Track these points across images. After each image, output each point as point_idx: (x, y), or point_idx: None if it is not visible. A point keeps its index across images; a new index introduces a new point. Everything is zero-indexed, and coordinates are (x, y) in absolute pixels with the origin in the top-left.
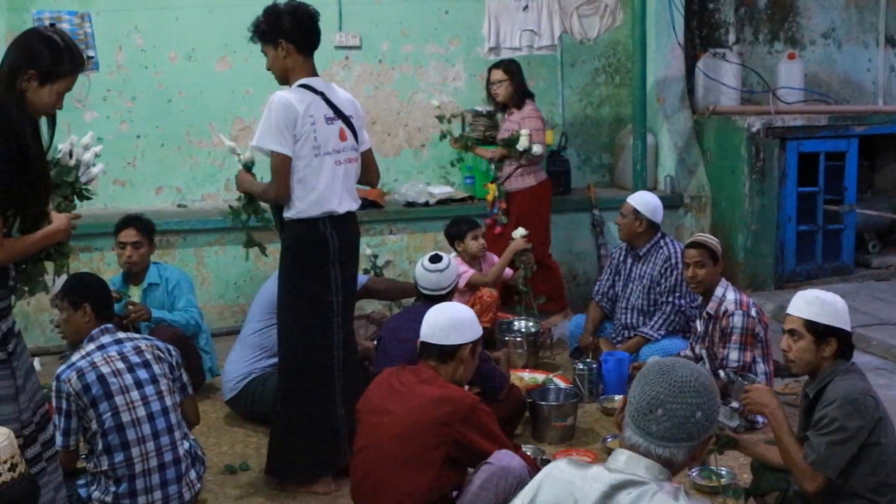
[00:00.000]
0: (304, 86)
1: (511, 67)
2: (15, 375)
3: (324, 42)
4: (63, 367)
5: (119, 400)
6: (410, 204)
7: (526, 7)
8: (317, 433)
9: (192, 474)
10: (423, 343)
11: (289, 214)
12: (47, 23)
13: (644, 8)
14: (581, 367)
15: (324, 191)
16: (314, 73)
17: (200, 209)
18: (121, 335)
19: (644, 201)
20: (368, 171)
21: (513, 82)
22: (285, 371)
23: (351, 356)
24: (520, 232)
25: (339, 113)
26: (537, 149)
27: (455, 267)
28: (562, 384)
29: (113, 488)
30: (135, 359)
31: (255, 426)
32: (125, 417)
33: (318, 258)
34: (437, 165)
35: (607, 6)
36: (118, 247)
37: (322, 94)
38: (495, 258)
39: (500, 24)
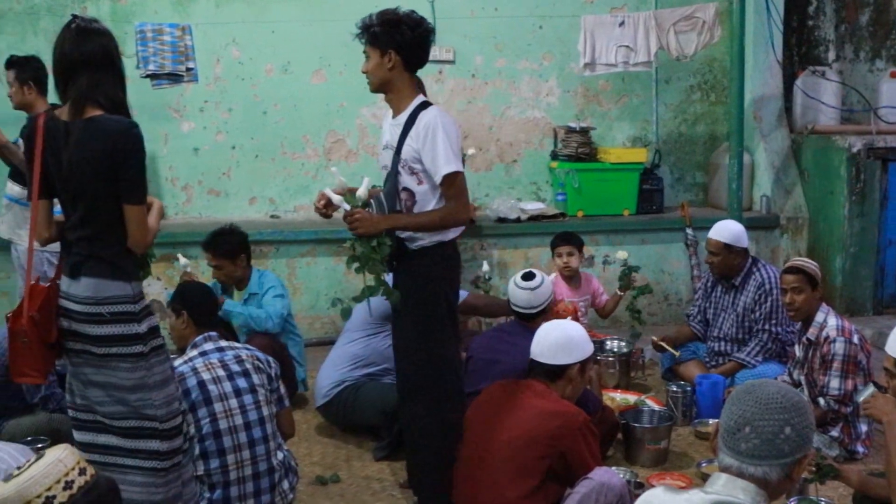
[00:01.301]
0: (430, 103)
1: None
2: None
3: None
4: None
5: (217, 407)
6: (501, 219)
7: (622, 23)
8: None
9: (286, 484)
10: (532, 360)
11: (433, 238)
12: (149, 35)
13: (743, 24)
14: (675, 389)
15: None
16: (421, 91)
17: (293, 220)
18: (223, 343)
19: (731, 234)
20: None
21: None
22: (428, 392)
23: None
24: (622, 255)
25: None
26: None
27: (548, 286)
28: (654, 406)
29: (207, 494)
30: (235, 367)
31: (346, 437)
32: (223, 424)
33: (454, 279)
34: (529, 181)
35: (705, 22)
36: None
37: None
38: (594, 280)
39: (595, 40)
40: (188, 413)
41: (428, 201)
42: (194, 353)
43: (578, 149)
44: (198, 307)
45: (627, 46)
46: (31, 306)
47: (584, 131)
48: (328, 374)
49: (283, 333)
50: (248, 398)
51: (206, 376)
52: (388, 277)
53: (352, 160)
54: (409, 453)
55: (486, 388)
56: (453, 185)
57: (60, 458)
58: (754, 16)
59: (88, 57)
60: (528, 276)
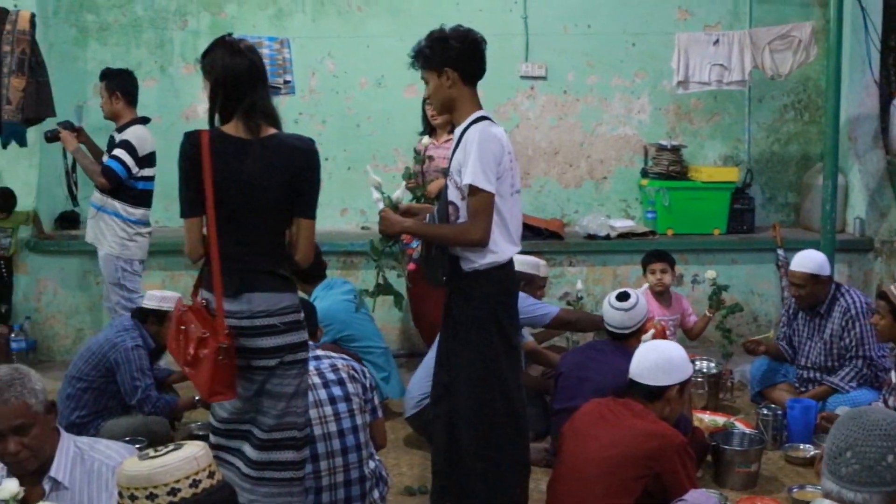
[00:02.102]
0: (485, 118)
1: None
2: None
3: (509, 71)
4: None
5: (312, 413)
6: (591, 236)
7: (717, 41)
8: (518, 477)
9: (376, 494)
10: (631, 380)
11: (484, 260)
12: None
13: (840, 43)
14: (766, 412)
15: (514, 232)
16: (480, 105)
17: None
18: (319, 352)
19: (816, 264)
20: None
21: None
22: (476, 419)
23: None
24: (711, 274)
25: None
26: None
27: (643, 306)
28: (744, 429)
29: None
30: (330, 376)
31: None
32: (317, 431)
33: (508, 303)
34: (618, 198)
35: (801, 41)
36: None
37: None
38: (684, 300)
39: (689, 58)
40: None
41: (465, 217)
42: None
43: (669, 167)
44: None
45: (721, 65)
46: (222, 324)
47: (676, 149)
48: (419, 385)
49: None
50: (342, 406)
51: None
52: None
53: None
54: (436, 477)
55: (580, 405)
56: (473, 198)
57: (196, 456)
58: (851, 34)
59: (253, 74)
60: (623, 297)
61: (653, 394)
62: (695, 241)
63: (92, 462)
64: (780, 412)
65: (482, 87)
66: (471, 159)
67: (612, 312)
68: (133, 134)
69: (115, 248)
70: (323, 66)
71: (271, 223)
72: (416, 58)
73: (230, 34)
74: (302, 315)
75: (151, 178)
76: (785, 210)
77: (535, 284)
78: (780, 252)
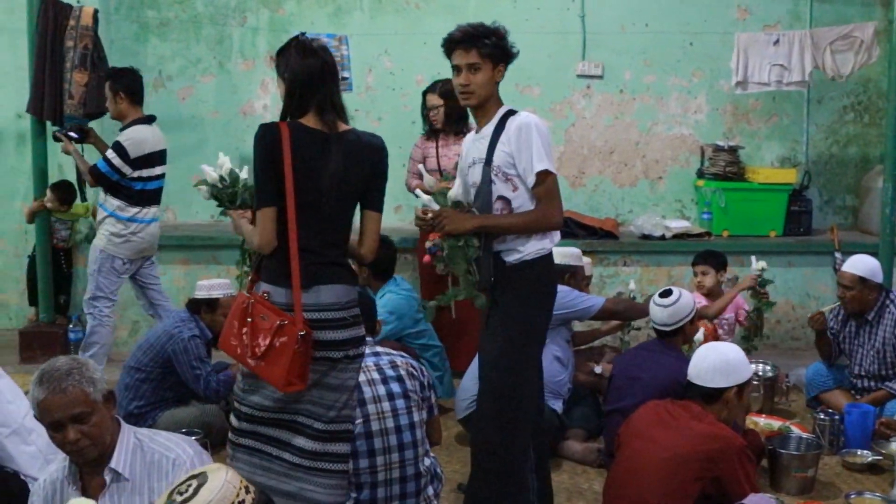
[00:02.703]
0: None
1: (445, 93)
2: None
3: (566, 70)
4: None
5: (371, 408)
6: (646, 236)
7: (777, 41)
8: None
9: (430, 490)
10: (689, 382)
11: (534, 248)
12: None
13: None
14: (823, 417)
15: None
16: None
17: None
18: (378, 349)
19: (867, 267)
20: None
21: (446, 106)
22: (505, 411)
23: None
24: (760, 265)
25: None
26: None
27: (686, 303)
28: (801, 433)
29: (354, 494)
30: (389, 372)
31: None
32: (374, 426)
33: (551, 296)
34: (674, 199)
35: (863, 42)
36: None
37: None
38: (738, 299)
39: (748, 58)
40: None
41: (525, 207)
42: None
43: (726, 167)
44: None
45: (781, 65)
46: (300, 314)
47: (733, 150)
48: (470, 386)
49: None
50: (400, 402)
51: (361, 377)
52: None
53: None
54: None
55: (631, 404)
56: (544, 184)
57: (228, 479)
58: None
59: (325, 73)
60: (666, 294)
61: (711, 396)
62: (751, 243)
63: (152, 454)
64: (837, 417)
65: (539, 83)
66: (534, 146)
67: (655, 309)
68: (127, 136)
69: (102, 241)
70: (380, 63)
71: (345, 216)
72: (476, 38)
73: (303, 33)
74: (360, 311)
75: (155, 178)
76: (843, 213)
77: (578, 276)
78: (838, 255)
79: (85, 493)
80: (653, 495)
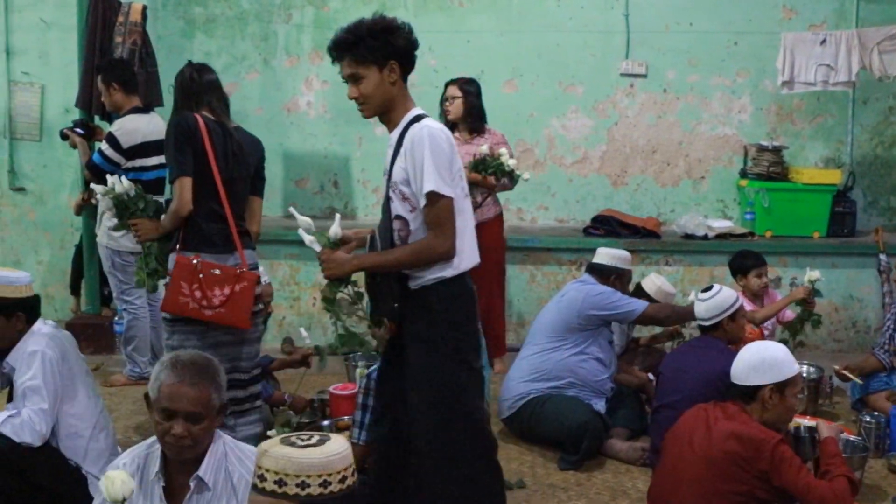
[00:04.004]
0: (427, 116)
1: (466, 86)
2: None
3: (609, 69)
4: (375, 367)
5: None
6: (688, 236)
7: (823, 41)
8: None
9: None
10: (731, 382)
11: (438, 274)
12: None
13: None
14: (868, 420)
15: (470, 239)
16: (414, 102)
17: None
18: None
19: None
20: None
21: (465, 101)
22: (440, 449)
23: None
24: (814, 275)
25: None
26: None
27: (724, 298)
28: (846, 435)
29: None
30: None
31: (530, 444)
32: None
33: (469, 319)
34: (716, 198)
35: None
36: None
37: None
38: (777, 297)
39: (795, 58)
40: None
41: (422, 230)
42: None
43: (770, 168)
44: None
45: (828, 65)
46: (245, 265)
47: (777, 150)
48: (512, 387)
49: None
50: None
51: None
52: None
53: (539, 170)
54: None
55: (679, 399)
56: (434, 207)
57: (348, 449)
58: None
59: (218, 83)
60: (707, 289)
61: (746, 394)
62: (794, 244)
63: (233, 473)
64: (883, 420)
65: (582, 81)
66: (425, 163)
67: (698, 305)
68: (119, 125)
69: (104, 237)
70: (423, 61)
71: (245, 195)
72: (346, 49)
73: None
74: None
75: (151, 168)
76: (887, 214)
77: (625, 279)
78: (882, 257)
79: (167, 491)
80: (692, 498)
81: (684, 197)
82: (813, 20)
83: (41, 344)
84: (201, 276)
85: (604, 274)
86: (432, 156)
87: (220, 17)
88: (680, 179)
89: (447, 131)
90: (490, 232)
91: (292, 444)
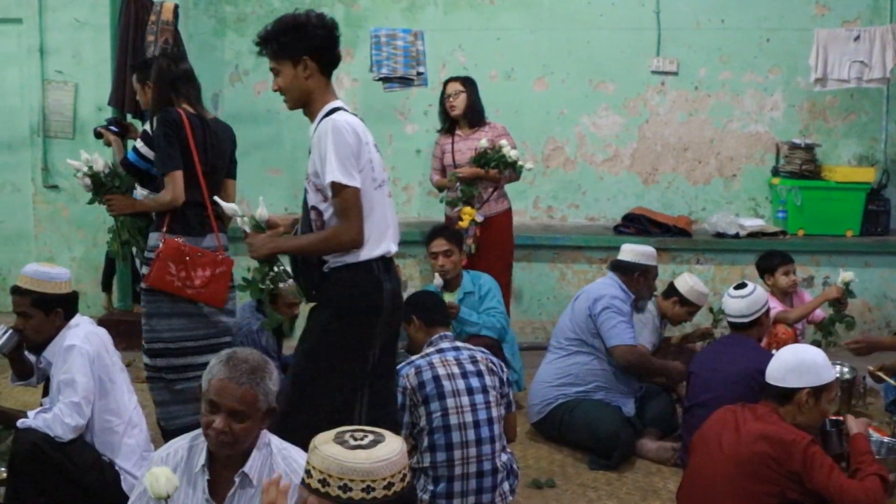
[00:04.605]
0: (341, 108)
1: (468, 84)
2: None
3: (640, 66)
4: (403, 363)
5: (450, 402)
6: (720, 235)
7: (857, 37)
8: None
9: (506, 486)
10: (765, 382)
11: (341, 259)
12: (383, 40)
13: None
14: None
15: (381, 228)
16: (335, 95)
17: None
18: (459, 343)
19: None
20: None
21: (468, 97)
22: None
23: (380, 418)
24: (848, 277)
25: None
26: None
27: (760, 295)
28: (880, 437)
29: (431, 486)
30: (469, 367)
31: (560, 444)
32: (453, 420)
33: (368, 309)
34: (748, 197)
35: None
36: (431, 256)
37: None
38: (807, 296)
39: (828, 54)
40: (420, 406)
41: (334, 219)
42: (431, 349)
43: (802, 165)
44: (427, 311)
45: (862, 62)
46: (222, 249)
47: (809, 148)
48: (540, 391)
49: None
50: (479, 397)
51: (441, 371)
52: None
53: (569, 168)
54: None
55: (711, 398)
56: (338, 197)
57: (403, 452)
58: None
59: (193, 73)
60: (741, 286)
61: (783, 396)
62: (827, 243)
63: (278, 470)
64: None
65: (613, 79)
66: (328, 154)
67: (729, 301)
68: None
69: None
70: (454, 59)
71: (221, 181)
72: (263, 44)
73: (167, 48)
74: None
75: None
76: None
77: (650, 276)
78: None
79: (212, 485)
80: (722, 501)
81: (716, 195)
82: (846, 16)
83: (78, 339)
84: (187, 258)
85: (627, 271)
86: (335, 147)
87: (251, 16)
88: (711, 177)
89: (354, 123)
90: (498, 226)
91: (343, 443)
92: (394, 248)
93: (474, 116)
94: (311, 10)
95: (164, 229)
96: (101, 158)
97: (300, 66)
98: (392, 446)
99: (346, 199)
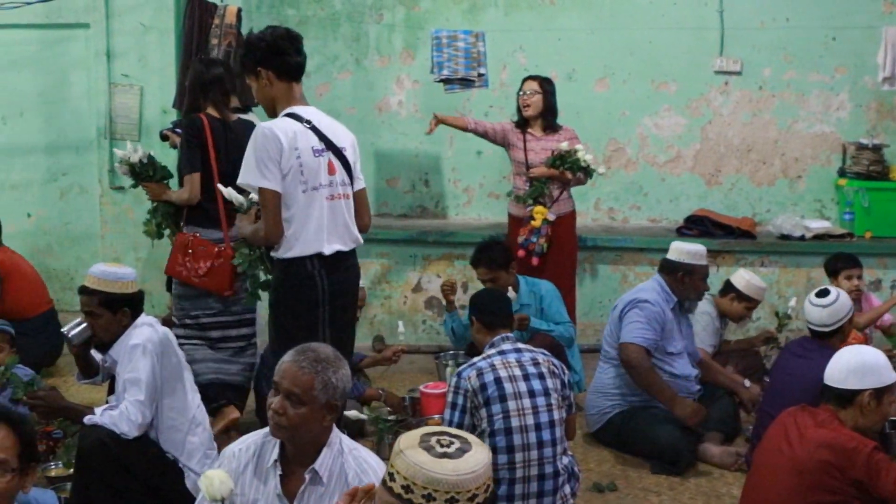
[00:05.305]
0: (290, 115)
1: (545, 84)
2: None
3: (703, 66)
4: (465, 365)
5: (511, 404)
6: (785, 237)
7: None
8: None
9: (567, 489)
10: (824, 385)
11: (277, 254)
12: (444, 42)
13: None
14: None
15: (312, 229)
16: (302, 102)
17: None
18: (520, 345)
19: None
20: (359, 213)
21: (545, 99)
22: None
23: None
24: None
25: (329, 144)
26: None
27: (844, 303)
28: None
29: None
30: (531, 369)
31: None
32: (514, 422)
33: (306, 299)
34: (813, 198)
35: None
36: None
37: (310, 124)
38: (874, 300)
39: None
40: (481, 408)
41: None
42: (492, 351)
43: (869, 166)
44: (487, 314)
45: None
46: (228, 243)
47: (877, 148)
48: (595, 401)
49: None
50: (541, 400)
51: (502, 373)
52: None
53: (630, 169)
54: None
55: (782, 408)
56: (260, 198)
57: (489, 462)
58: None
59: (225, 77)
60: (823, 293)
61: (843, 398)
62: (895, 245)
63: (349, 470)
64: None
65: (675, 79)
66: (247, 158)
67: (812, 310)
68: None
69: None
70: (514, 60)
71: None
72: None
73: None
74: None
75: None
76: None
77: (696, 276)
78: None
79: (284, 482)
80: None
81: (780, 196)
82: None
83: (143, 338)
84: (191, 251)
85: (672, 271)
86: (253, 151)
87: (313, 19)
88: (776, 178)
89: (284, 129)
90: (565, 227)
91: (429, 449)
92: (329, 250)
93: (548, 120)
94: (269, 26)
95: (183, 222)
96: (139, 150)
97: (261, 78)
98: (478, 457)
99: (263, 199)
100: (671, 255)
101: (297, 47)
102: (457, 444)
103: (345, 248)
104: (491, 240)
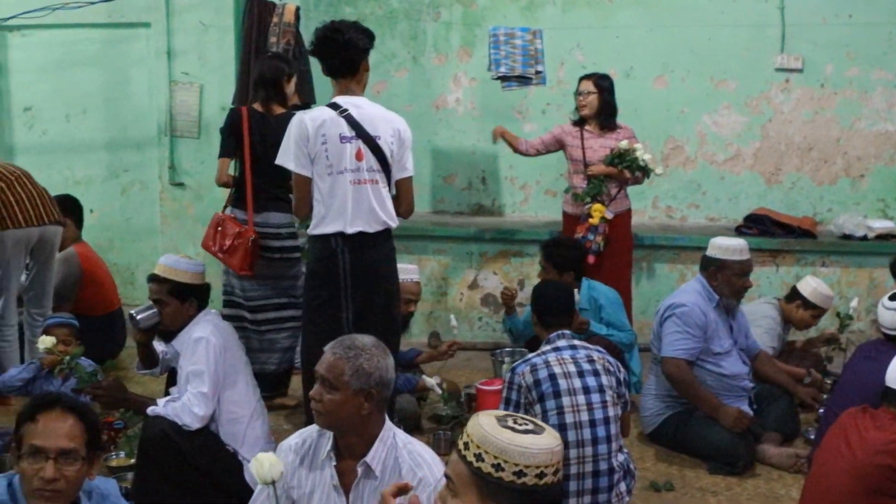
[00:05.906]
0: (330, 104)
1: (600, 82)
2: None
3: (764, 63)
4: (520, 361)
5: (566, 401)
6: (846, 237)
7: None
8: None
9: (622, 486)
10: (886, 387)
11: (309, 230)
12: (502, 39)
13: None
14: None
15: (336, 209)
16: (351, 92)
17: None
18: (576, 342)
19: None
20: (399, 201)
21: (601, 98)
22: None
23: None
24: None
25: (361, 132)
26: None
27: None
28: None
29: None
30: (586, 366)
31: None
32: (568, 419)
33: (328, 273)
34: (876, 198)
35: None
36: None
37: (345, 112)
38: None
39: None
40: (535, 404)
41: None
42: (547, 347)
43: None
44: (545, 313)
45: None
46: (251, 226)
47: None
48: (649, 403)
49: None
50: (595, 397)
51: (557, 370)
52: None
53: (689, 167)
54: None
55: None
56: (293, 180)
57: (560, 447)
58: None
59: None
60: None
61: None
62: None
63: (402, 464)
64: None
65: (735, 77)
66: (284, 142)
67: (885, 313)
68: None
69: None
70: (572, 57)
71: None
72: None
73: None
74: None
75: None
76: None
77: (729, 272)
78: None
79: (339, 473)
80: None
81: (842, 196)
82: None
83: (206, 331)
84: (219, 228)
85: (705, 266)
86: (286, 136)
87: (370, 17)
88: (838, 177)
89: (314, 118)
90: (622, 225)
91: (506, 426)
92: (352, 229)
93: (605, 118)
94: (316, 28)
95: (225, 203)
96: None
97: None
98: (550, 439)
99: (293, 181)
100: (707, 251)
101: (331, 49)
102: (529, 426)
103: (369, 230)
104: (563, 238)
